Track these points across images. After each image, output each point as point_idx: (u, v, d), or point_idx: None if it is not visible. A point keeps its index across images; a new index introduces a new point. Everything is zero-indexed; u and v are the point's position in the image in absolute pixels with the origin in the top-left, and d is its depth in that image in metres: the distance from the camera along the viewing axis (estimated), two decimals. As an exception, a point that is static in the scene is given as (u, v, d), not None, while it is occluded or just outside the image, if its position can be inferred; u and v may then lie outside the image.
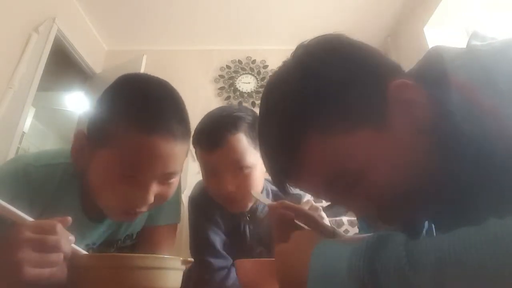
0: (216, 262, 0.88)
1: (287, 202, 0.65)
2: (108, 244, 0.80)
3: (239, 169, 0.84)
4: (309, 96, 0.45)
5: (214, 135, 0.82)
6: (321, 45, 0.50)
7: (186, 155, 0.72)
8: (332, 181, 0.46)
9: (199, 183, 1.04)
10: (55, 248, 0.48)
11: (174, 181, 0.70)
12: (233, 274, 0.89)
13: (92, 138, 0.66)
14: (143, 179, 0.64)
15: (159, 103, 0.66)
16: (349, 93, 0.44)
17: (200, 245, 0.93)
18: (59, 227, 0.49)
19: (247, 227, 0.96)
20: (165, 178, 0.67)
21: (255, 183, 0.87)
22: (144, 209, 0.68)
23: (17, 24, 2.06)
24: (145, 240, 0.83)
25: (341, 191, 0.48)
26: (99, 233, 0.77)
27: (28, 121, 2.44)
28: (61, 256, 0.48)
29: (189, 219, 0.99)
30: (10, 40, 2.01)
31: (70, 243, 0.51)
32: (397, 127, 0.45)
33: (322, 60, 0.47)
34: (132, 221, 0.76)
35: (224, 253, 0.91)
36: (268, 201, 0.77)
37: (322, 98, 0.45)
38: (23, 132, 2.24)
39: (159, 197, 0.68)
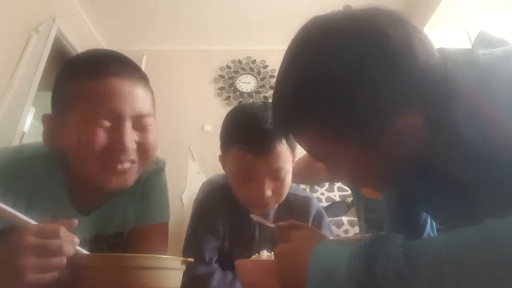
0: (199, 268, 0.89)
1: (295, 221, 0.65)
2: (99, 241, 0.79)
3: (278, 175, 0.85)
4: (320, 97, 0.46)
5: (265, 141, 0.81)
6: (354, 51, 0.44)
7: (153, 104, 0.75)
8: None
9: (206, 186, 1.03)
10: (58, 252, 0.47)
11: (151, 128, 0.71)
12: (216, 277, 0.90)
13: (59, 111, 0.68)
14: (117, 122, 0.66)
15: (107, 57, 0.71)
16: (353, 115, 0.44)
17: (190, 249, 0.93)
18: (63, 230, 0.49)
19: (256, 228, 0.97)
20: (139, 121, 0.69)
21: (287, 188, 0.89)
22: (126, 155, 0.67)
23: (17, 24, 2.06)
24: (136, 241, 0.82)
25: None
26: (87, 225, 0.76)
27: (28, 121, 2.43)
28: (64, 260, 0.48)
29: (190, 219, 0.99)
30: (10, 40, 2.01)
31: (74, 245, 0.51)
32: (384, 153, 0.47)
33: (345, 72, 0.44)
34: (124, 183, 0.71)
35: (210, 261, 0.92)
36: (269, 223, 0.78)
37: (329, 106, 0.46)
38: (23, 132, 2.24)
39: (142, 145, 0.69)
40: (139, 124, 0.69)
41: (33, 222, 0.51)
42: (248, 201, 0.88)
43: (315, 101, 0.46)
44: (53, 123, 0.69)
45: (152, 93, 0.75)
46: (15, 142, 2.06)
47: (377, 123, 0.44)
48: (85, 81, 0.66)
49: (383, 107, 0.43)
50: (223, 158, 0.95)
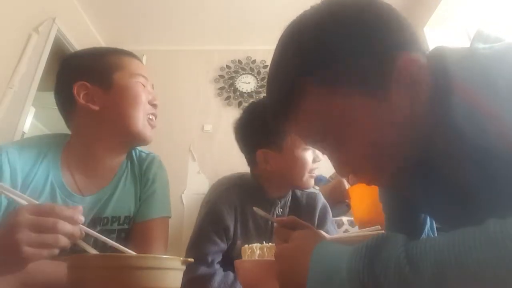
0: (200, 269, 0.91)
1: (296, 218, 0.65)
2: (93, 223, 0.81)
3: None
4: (322, 50, 0.46)
5: None
6: (347, 7, 0.49)
7: None
8: (317, 140, 0.52)
9: (216, 187, 1.04)
10: (52, 229, 0.48)
11: None
12: (217, 278, 0.91)
13: (97, 78, 0.84)
14: (147, 85, 0.90)
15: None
16: (359, 60, 0.45)
17: (194, 250, 0.94)
18: (59, 209, 0.50)
19: (269, 224, 1.00)
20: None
21: None
22: (156, 111, 0.92)
23: (17, 24, 2.06)
24: (138, 235, 0.84)
25: (324, 149, 0.54)
26: (84, 207, 0.77)
27: (28, 121, 2.42)
28: (59, 238, 0.49)
29: (198, 220, 0.99)
30: (10, 40, 2.01)
31: (76, 223, 0.51)
32: (394, 103, 0.45)
33: (341, 23, 0.47)
34: (152, 127, 0.91)
35: (212, 262, 0.94)
36: (269, 216, 0.79)
37: (333, 57, 0.46)
38: (23, 132, 2.23)
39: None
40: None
41: (35, 202, 0.53)
42: (307, 173, 0.97)
43: (319, 52, 0.46)
44: (94, 91, 0.83)
45: None
46: (15, 142, 2.06)
47: (382, 62, 0.45)
48: (122, 57, 0.88)
49: (386, 45, 0.45)
50: (267, 153, 0.97)
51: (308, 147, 0.95)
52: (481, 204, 0.44)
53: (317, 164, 0.98)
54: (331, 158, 0.55)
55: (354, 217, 1.69)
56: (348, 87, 0.46)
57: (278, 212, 1.00)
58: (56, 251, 0.49)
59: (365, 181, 0.56)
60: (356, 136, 0.48)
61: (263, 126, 0.96)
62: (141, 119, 0.84)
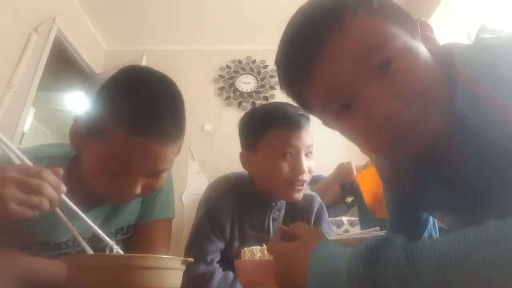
0: (199, 267, 0.90)
1: (302, 223, 0.65)
2: (97, 238, 0.80)
3: (309, 155, 0.93)
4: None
5: (302, 117, 0.91)
6: None
7: (178, 152, 0.73)
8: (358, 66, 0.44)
9: (214, 187, 1.04)
10: (37, 191, 0.49)
11: (164, 174, 0.71)
12: (217, 277, 0.90)
13: (88, 127, 0.67)
14: (132, 175, 0.65)
15: (156, 102, 0.65)
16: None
17: (193, 249, 0.94)
18: (46, 173, 0.51)
19: (271, 222, 0.99)
20: (155, 174, 0.69)
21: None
22: (130, 200, 0.71)
23: (17, 24, 2.06)
24: (140, 236, 0.83)
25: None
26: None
27: (28, 121, 2.43)
28: (44, 201, 0.50)
29: (196, 219, 0.99)
30: (10, 40, 2.01)
31: (59, 191, 0.53)
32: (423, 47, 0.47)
33: None
34: (124, 203, 0.78)
35: (211, 261, 0.93)
36: (269, 237, 0.80)
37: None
38: (23, 132, 2.24)
39: (147, 189, 0.69)
40: (154, 174, 0.69)
41: (29, 162, 0.55)
42: (284, 182, 0.91)
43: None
44: (82, 131, 0.68)
45: (181, 143, 0.73)
46: (15, 142, 2.07)
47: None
48: (125, 129, 0.61)
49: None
50: (246, 155, 0.97)
51: (287, 153, 0.89)
52: (484, 205, 0.44)
53: (305, 176, 0.91)
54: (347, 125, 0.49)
55: (366, 202, 1.66)
56: (394, 23, 0.47)
57: (274, 214, 1.00)
58: (37, 213, 0.50)
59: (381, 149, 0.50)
60: (401, 60, 0.45)
61: (246, 127, 0.98)
62: (101, 191, 0.69)
